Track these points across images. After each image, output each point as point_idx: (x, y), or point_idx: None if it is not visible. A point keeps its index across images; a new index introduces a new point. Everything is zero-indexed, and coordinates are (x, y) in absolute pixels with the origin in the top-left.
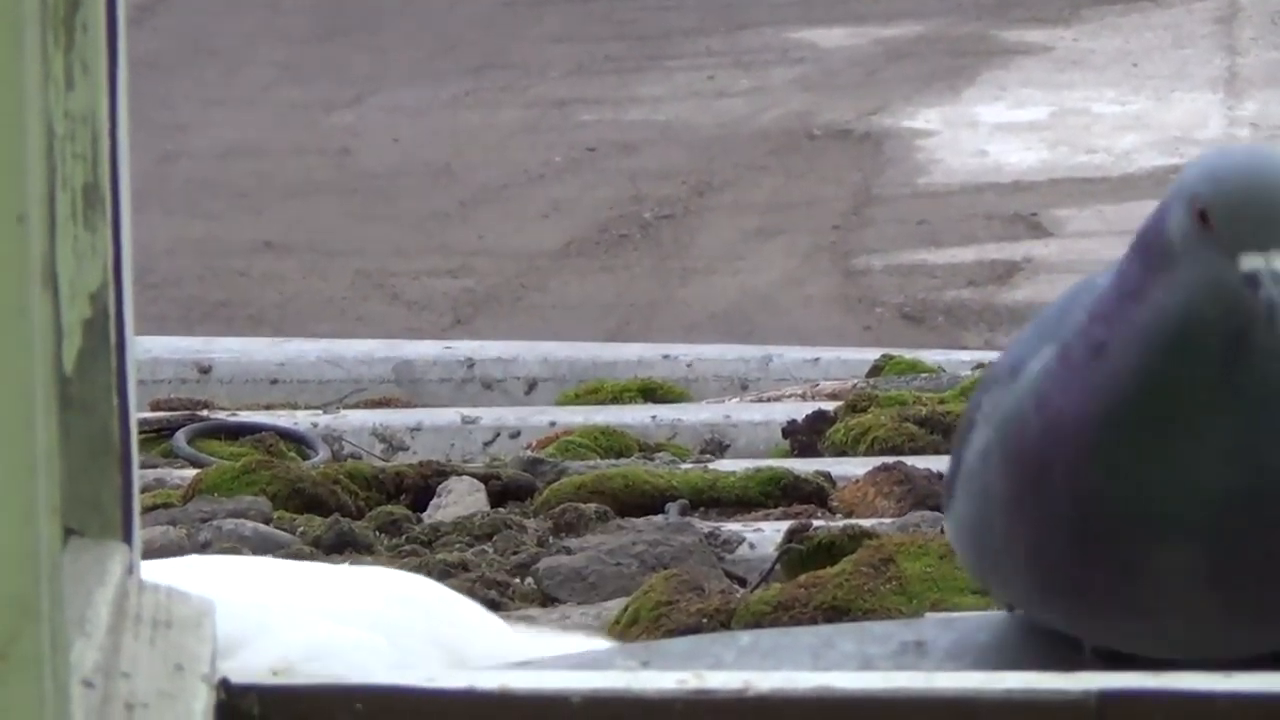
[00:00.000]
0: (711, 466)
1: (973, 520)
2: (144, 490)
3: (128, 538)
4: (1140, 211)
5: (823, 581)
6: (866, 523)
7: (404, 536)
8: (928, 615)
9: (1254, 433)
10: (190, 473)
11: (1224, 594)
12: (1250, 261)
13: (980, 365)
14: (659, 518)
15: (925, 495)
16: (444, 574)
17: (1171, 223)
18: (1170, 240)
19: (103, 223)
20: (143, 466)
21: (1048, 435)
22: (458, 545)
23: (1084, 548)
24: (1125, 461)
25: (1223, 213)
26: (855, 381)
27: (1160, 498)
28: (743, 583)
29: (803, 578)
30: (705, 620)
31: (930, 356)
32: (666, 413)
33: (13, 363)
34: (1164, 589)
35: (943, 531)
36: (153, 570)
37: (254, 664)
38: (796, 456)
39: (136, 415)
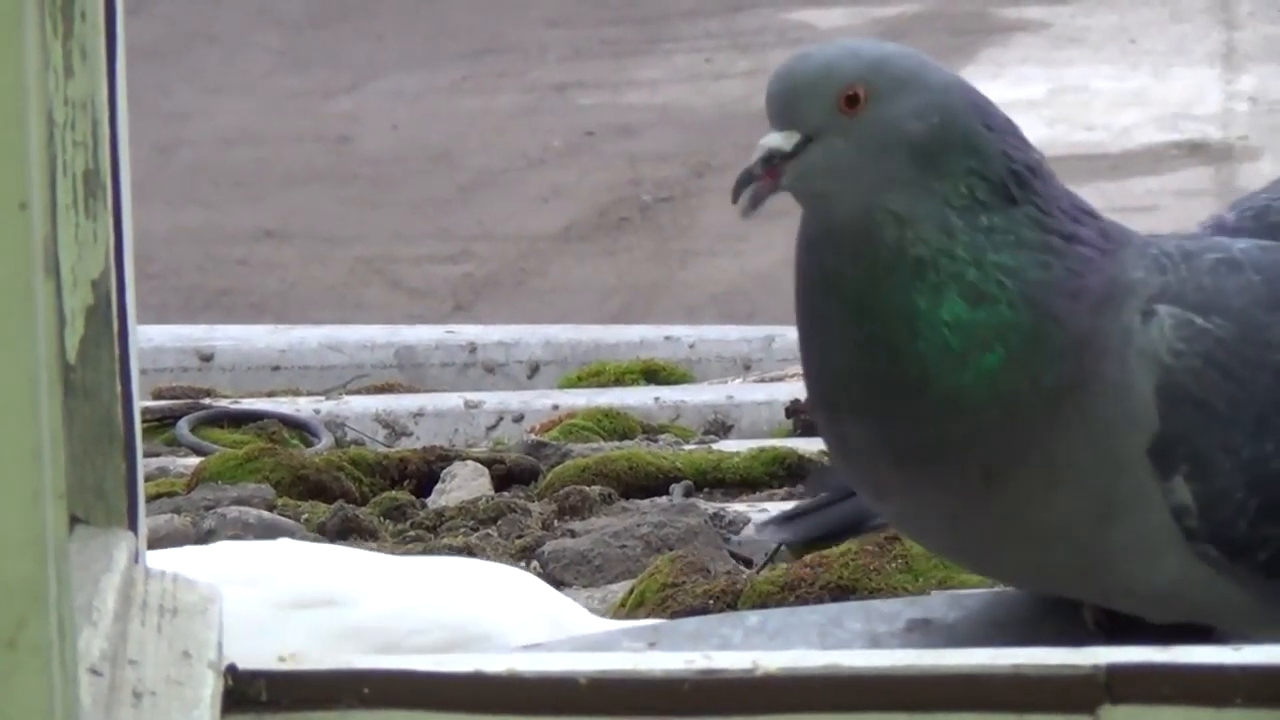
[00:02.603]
0: (715, 447)
1: None
2: (147, 479)
3: (133, 525)
4: (1141, 188)
5: (829, 561)
6: None
7: (408, 522)
8: (934, 593)
9: (855, 316)
10: (193, 461)
11: (904, 473)
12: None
13: None
14: (663, 499)
15: None
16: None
17: None
18: None
19: (103, 209)
20: (146, 455)
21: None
22: (462, 530)
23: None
24: (805, 353)
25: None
26: None
27: (821, 385)
28: (748, 563)
29: (808, 557)
30: (712, 601)
31: None
32: (669, 394)
33: (17, 350)
34: (863, 467)
35: None
36: (230, 552)
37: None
38: (800, 436)
39: (140, 402)
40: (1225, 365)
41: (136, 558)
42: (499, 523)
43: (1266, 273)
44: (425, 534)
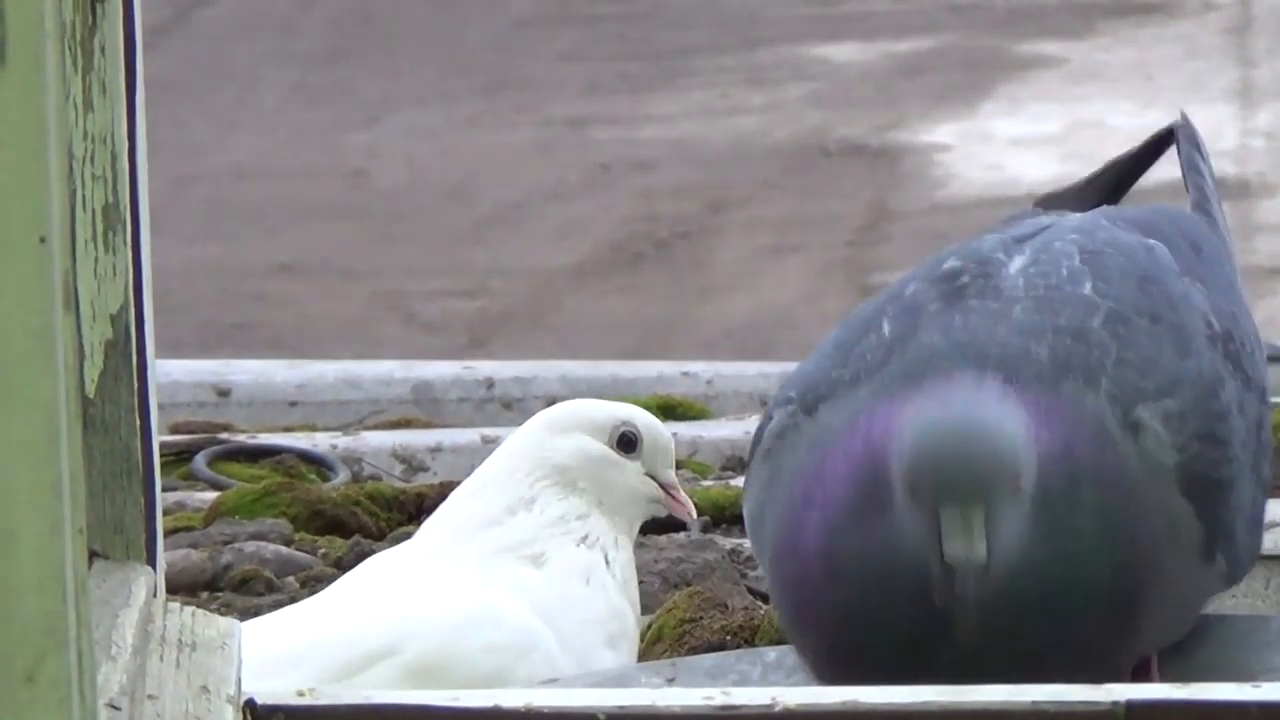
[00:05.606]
0: (733, 483)
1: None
2: (164, 513)
3: (152, 560)
4: None
5: None
6: None
7: None
8: None
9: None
10: (210, 495)
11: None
12: (952, 548)
13: None
14: (681, 535)
15: None
16: None
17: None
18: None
19: (123, 244)
20: (163, 489)
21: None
22: None
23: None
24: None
25: (924, 488)
26: None
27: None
28: (766, 599)
29: None
30: (729, 637)
31: None
32: (687, 430)
33: (37, 385)
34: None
35: None
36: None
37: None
38: None
39: (158, 437)
40: (1197, 429)
41: (155, 592)
42: None
43: (1148, 312)
44: None
